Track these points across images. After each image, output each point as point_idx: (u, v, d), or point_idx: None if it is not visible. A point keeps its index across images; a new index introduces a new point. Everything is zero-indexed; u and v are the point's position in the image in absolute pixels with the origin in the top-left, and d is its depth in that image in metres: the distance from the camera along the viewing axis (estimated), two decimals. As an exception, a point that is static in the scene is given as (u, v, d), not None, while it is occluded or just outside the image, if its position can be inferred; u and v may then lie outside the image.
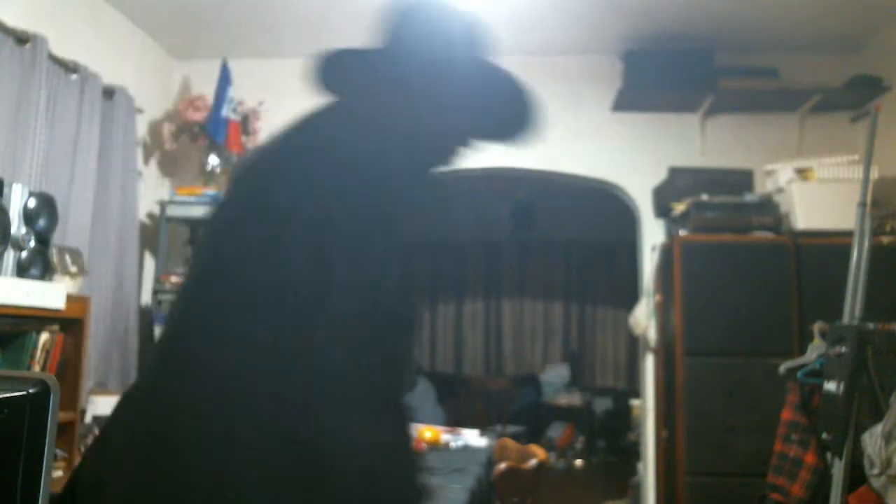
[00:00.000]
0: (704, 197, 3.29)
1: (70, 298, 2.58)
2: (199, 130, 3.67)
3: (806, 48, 3.73)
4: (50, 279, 2.58)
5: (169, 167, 4.00)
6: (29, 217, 2.45)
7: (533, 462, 2.62)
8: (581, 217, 6.80)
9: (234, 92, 3.66)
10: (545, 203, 6.86)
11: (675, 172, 3.59)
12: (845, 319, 2.26)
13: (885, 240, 3.02)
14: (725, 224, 3.24)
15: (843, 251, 2.39)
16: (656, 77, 3.64)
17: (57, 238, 2.71)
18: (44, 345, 2.55)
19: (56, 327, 2.62)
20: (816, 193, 3.19)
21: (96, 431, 2.99)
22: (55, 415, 0.69)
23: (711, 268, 3.15)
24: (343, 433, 0.93)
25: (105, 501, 0.97)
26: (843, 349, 2.14)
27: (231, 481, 0.92)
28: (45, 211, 2.52)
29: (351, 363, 0.94)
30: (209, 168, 3.67)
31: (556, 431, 6.63)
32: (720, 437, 3.02)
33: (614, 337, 7.30)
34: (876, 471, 1.98)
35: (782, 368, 2.58)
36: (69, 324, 2.68)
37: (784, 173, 3.30)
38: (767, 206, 3.28)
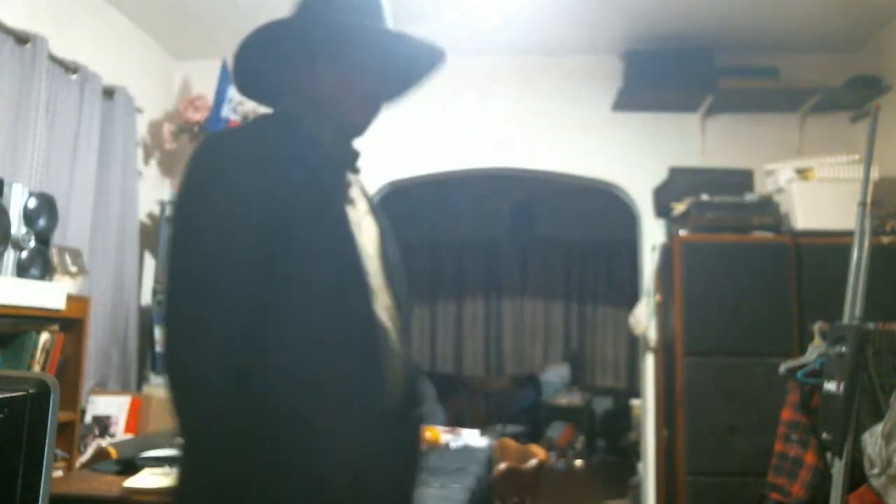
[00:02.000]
0: (704, 197, 3.29)
1: (70, 298, 2.58)
2: (199, 130, 3.67)
3: (806, 48, 3.73)
4: (50, 279, 2.58)
5: (169, 167, 4.00)
6: (29, 217, 2.45)
7: (533, 462, 2.62)
8: (581, 217, 6.80)
9: (234, 92, 3.66)
10: (545, 203, 6.86)
11: (675, 172, 3.59)
12: (845, 319, 2.26)
13: (886, 240, 3.02)
14: (725, 224, 3.23)
15: (843, 251, 2.39)
16: (656, 77, 3.64)
17: (57, 238, 2.71)
18: (44, 345, 2.55)
19: (56, 327, 2.62)
20: (816, 193, 3.19)
21: (97, 431, 2.99)
22: (55, 415, 0.69)
23: (711, 268, 3.15)
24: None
25: None
26: (843, 349, 2.14)
27: None
28: (45, 211, 2.52)
29: None
30: (209, 168, 3.67)
31: (556, 431, 6.63)
32: (720, 437, 3.02)
33: (614, 337, 7.30)
34: (876, 471, 1.98)
35: (782, 368, 2.58)
36: (69, 324, 2.68)
37: (784, 173, 3.29)
38: (767, 206, 3.28)
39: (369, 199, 1.31)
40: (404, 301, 1.23)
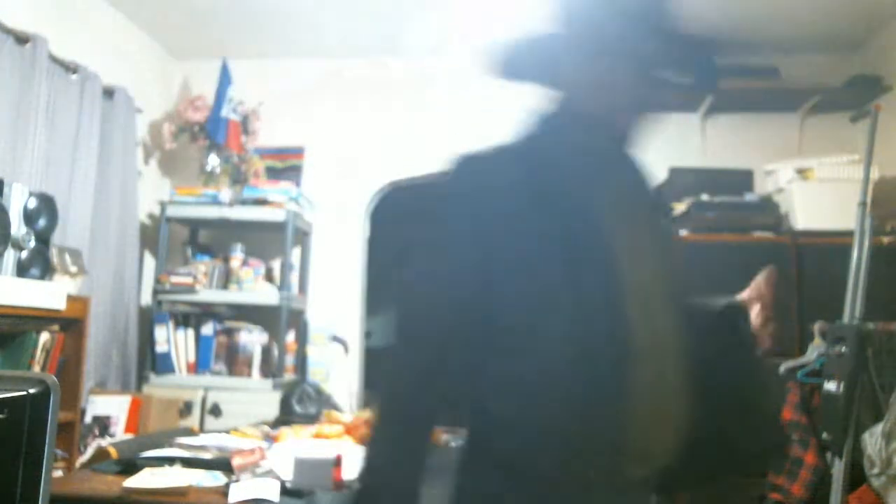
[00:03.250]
0: (704, 197, 3.29)
1: (70, 298, 2.58)
2: (199, 130, 3.66)
3: (806, 48, 3.73)
4: (50, 279, 2.58)
5: (169, 167, 4.00)
6: (29, 217, 2.45)
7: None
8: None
9: (234, 92, 3.65)
10: (545, 203, 6.84)
11: (675, 172, 3.59)
12: (845, 319, 2.26)
13: (885, 240, 3.02)
14: (725, 224, 3.23)
15: (843, 251, 2.39)
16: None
17: (57, 238, 2.71)
18: (44, 345, 2.55)
19: (56, 327, 2.62)
20: (816, 193, 3.19)
21: (97, 431, 2.99)
22: (55, 415, 0.69)
23: (711, 268, 3.14)
24: None
25: None
26: (844, 349, 2.14)
27: None
28: (45, 211, 2.52)
29: None
30: (209, 168, 3.67)
31: (556, 431, 6.63)
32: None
33: (614, 337, 7.29)
34: (876, 471, 1.98)
35: (782, 368, 2.58)
36: (69, 324, 2.68)
37: (784, 173, 3.29)
38: (767, 206, 3.28)
39: (647, 195, 1.19)
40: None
